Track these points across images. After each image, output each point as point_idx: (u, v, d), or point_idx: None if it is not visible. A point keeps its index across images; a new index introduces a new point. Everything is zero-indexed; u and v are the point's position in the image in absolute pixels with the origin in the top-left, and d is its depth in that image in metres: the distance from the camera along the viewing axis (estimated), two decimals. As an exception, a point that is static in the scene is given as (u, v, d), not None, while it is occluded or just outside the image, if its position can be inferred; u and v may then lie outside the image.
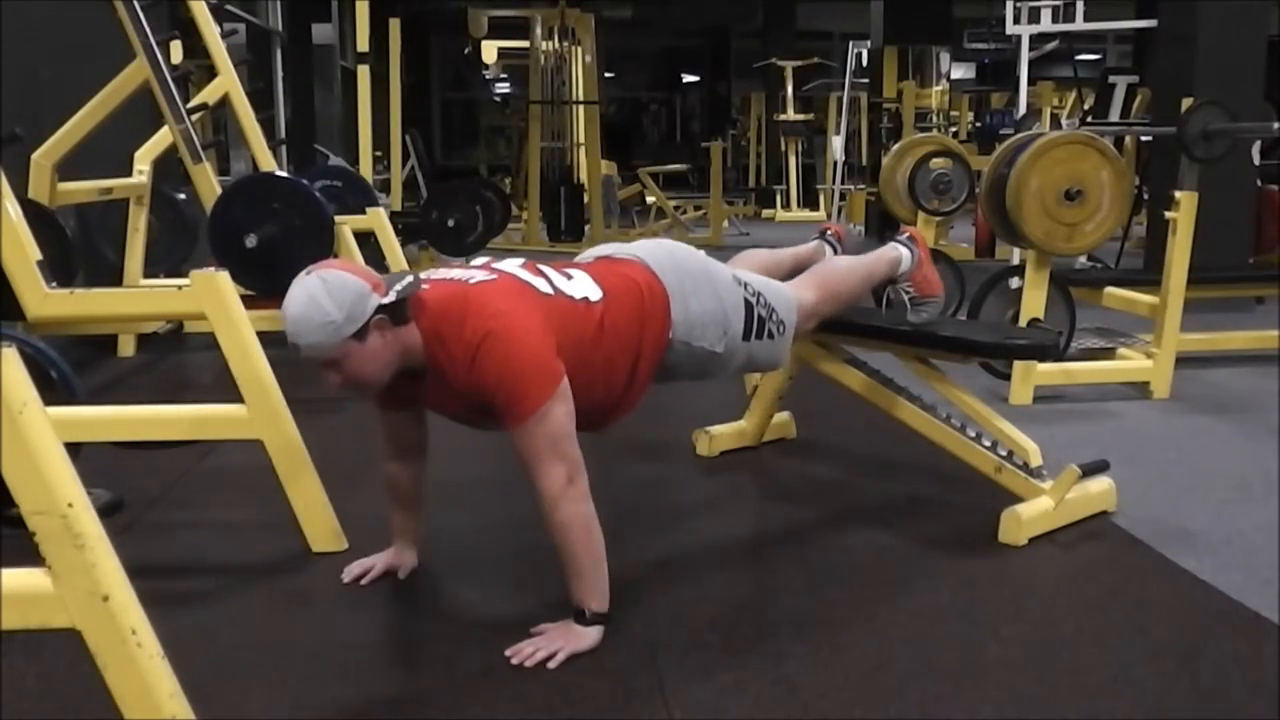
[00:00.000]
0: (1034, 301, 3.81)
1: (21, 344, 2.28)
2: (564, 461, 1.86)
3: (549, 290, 2.01)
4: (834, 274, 2.59)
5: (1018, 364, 3.70)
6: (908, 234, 2.73)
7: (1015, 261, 5.02)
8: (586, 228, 9.02)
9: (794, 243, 2.86)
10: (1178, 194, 3.77)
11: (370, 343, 1.85)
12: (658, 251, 2.25)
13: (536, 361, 1.87)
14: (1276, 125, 3.87)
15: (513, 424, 1.86)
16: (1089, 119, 6.62)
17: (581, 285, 2.06)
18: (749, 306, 2.27)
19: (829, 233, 2.87)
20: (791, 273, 2.71)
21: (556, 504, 1.85)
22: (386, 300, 1.84)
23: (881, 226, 8.97)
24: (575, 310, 2.00)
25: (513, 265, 2.07)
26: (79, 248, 4.00)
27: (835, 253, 2.84)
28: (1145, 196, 6.31)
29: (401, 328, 1.88)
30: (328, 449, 2.54)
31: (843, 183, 11.05)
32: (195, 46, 4.96)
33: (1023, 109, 6.44)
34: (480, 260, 2.13)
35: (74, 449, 1.86)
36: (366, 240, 4.67)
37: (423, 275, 1.99)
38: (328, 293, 1.81)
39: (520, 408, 1.84)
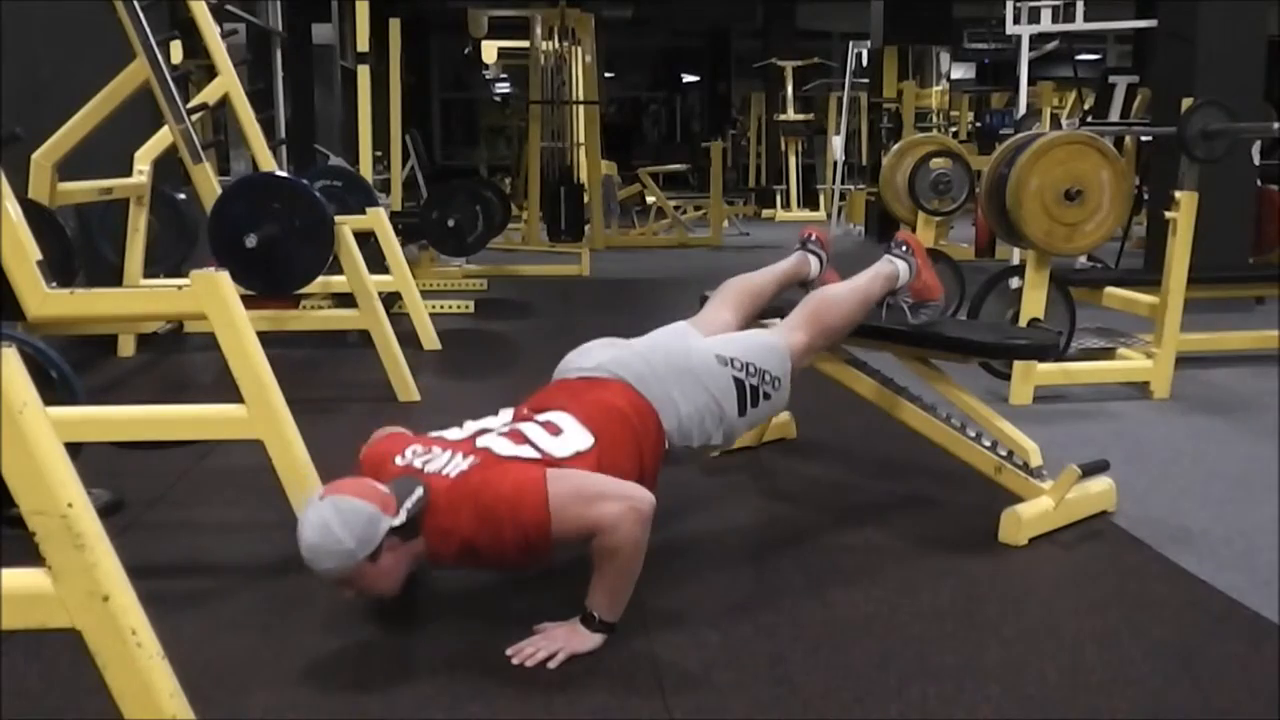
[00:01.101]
0: (1034, 301, 3.81)
1: (21, 344, 2.28)
2: (606, 499, 1.85)
3: (535, 456, 1.97)
4: (826, 307, 2.52)
5: (1018, 364, 3.71)
6: (903, 242, 2.68)
7: (1015, 261, 5.02)
8: (586, 228, 9.02)
9: (793, 243, 2.86)
10: (1178, 194, 3.77)
11: (383, 562, 1.85)
12: (633, 361, 2.22)
13: (516, 481, 1.87)
14: (1276, 125, 3.87)
15: (544, 529, 1.84)
16: (1089, 119, 6.63)
17: (569, 440, 2.02)
18: (739, 384, 2.25)
19: (811, 239, 2.83)
20: (777, 292, 2.70)
21: (616, 527, 1.84)
22: (397, 522, 1.84)
23: (881, 226, 8.98)
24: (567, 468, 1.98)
25: (495, 439, 2.02)
26: (79, 248, 4.00)
27: (821, 263, 2.81)
28: (1145, 196, 6.31)
29: (410, 540, 1.88)
30: (328, 449, 2.54)
31: (843, 183, 11.06)
32: (195, 46, 4.97)
33: (1023, 109, 6.45)
34: (468, 427, 2.11)
35: (74, 449, 1.85)
36: (366, 240, 4.67)
37: (400, 462, 1.98)
38: (341, 522, 1.80)
39: (539, 519, 1.83)
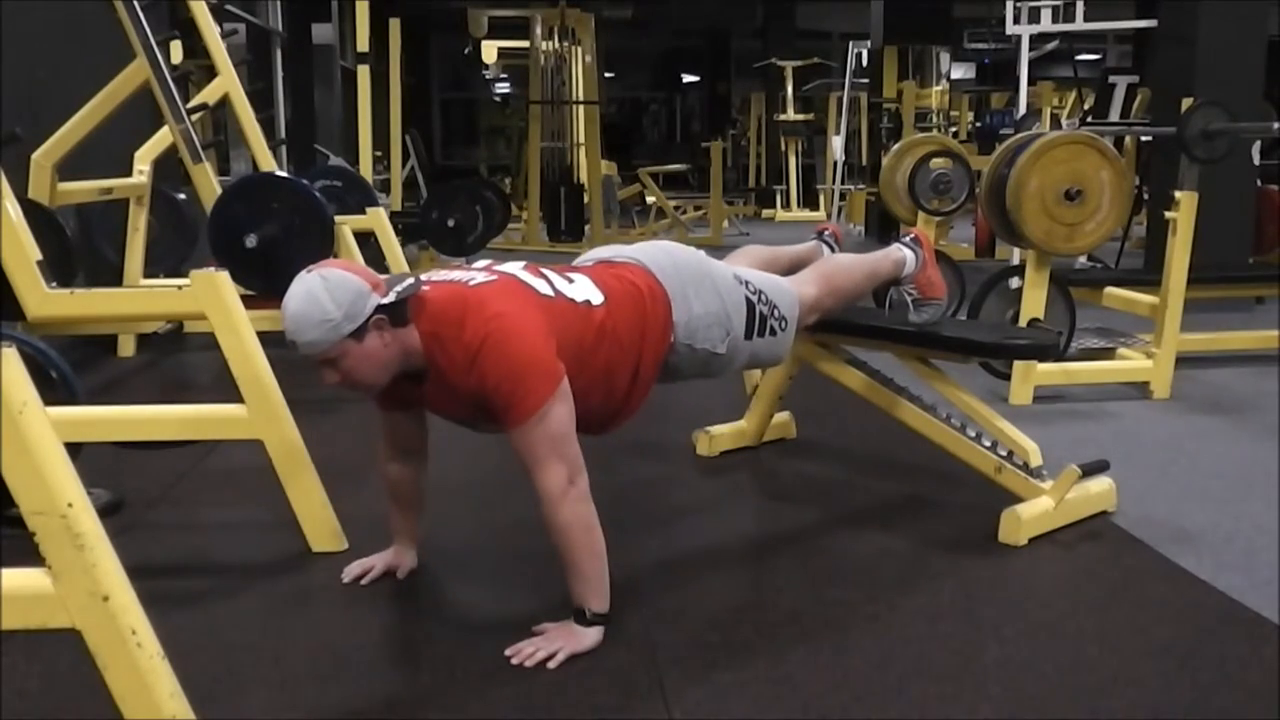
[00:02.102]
0: (1034, 301, 3.81)
1: (21, 344, 2.28)
2: (564, 462, 1.86)
3: (549, 292, 2.00)
4: (836, 269, 2.59)
5: (1018, 364, 3.71)
6: (913, 235, 2.72)
7: (1015, 261, 5.02)
8: (586, 228, 9.02)
9: (794, 243, 2.86)
10: (1178, 194, 3.78)
11: (368, 343, 1.85)
12: (657, 254, 2.24)
13: (536, 361, 1.86)
14: (1276, 125, 3.87)
15: (512, 424, 1.86)
16: (1089, 119, 6.62)
17: (583, 288, 2.06)
18: (750, 305, 2.27)
19: (827, 233, 2.86)
20: (790, 269, 2.71)
21: (558, 504, 1.85)
22: (386, 300, 1.84)
23: (881, 226, 8.98)
24: (576, 313, 2.00)
25: (514, 267, 2.07)
26: (79, 248, 4.00)
27: (834, 253, 2.84)
28: (1145, 196, 6.31)
29: (401, 329, 1.88)
30: (328, 449, 2.54)
31: (843, 183, 11.05)
32: (195, 46, 4.96)
33: (1023, 109, 6.44)
34: (481, 262, 2.13)
35: (74, 449, 1.86)
36: (366, 240, 4.67)
37: (423, 277, 1.99)
38: (327, 291, 1.81)
39: (520, 408, 1.84)
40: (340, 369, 1.86)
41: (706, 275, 2.24)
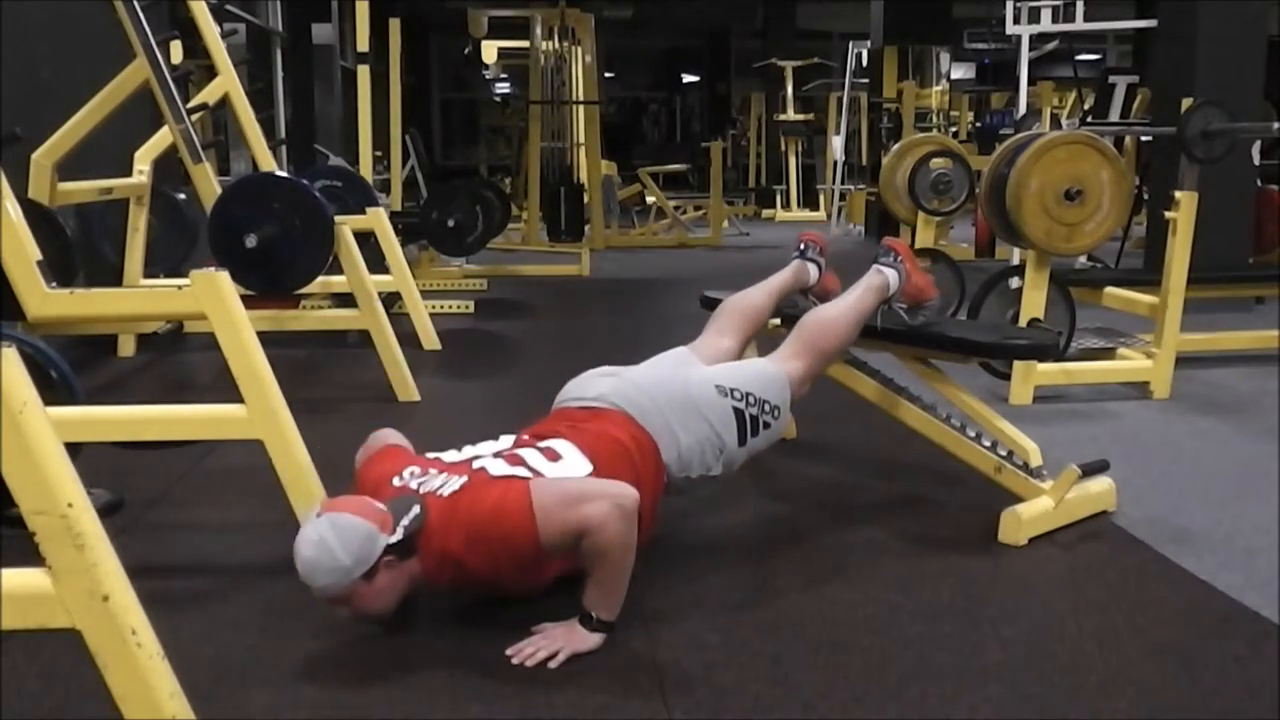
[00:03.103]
0: (1034, 301, 3.81)
1: (21, 344, 2.28)
2: (591, 499, 1.85)
3: (529, 479, 1.97)
4: (820, 332, 2.51)
5: (1018, 364, 3.71)
6: (890, 249, 2.67)
7: (1015, 261, 5.02)
8: (586, 228, 9.02)
9: (793, 243, 2.86)
10: (1178, 194, 3.77)
11: (378, 580, 1.86)
12: (633, 393, 2.22)
13: (499, 493, 1.88)
14: (1276, 125, 3.87)
15: (537, 541, 1.84)
16: (1089, 119, 6.62)
17: (568, 464, 2.03)
18: (739, 414, 2.25)
19: (810, 246, 2.82)
20: (779, 298, 2.70)
21: (603, 527, 1.84)
22: (394, 540, 1.85)
23: (881, 226, 8.98)
24: None
25: (490, 461, 2.03)
26: (79, 248, 4.00)
27: (819, 269, 2.82)
28: (1145, 196, 6.31)
29: (407, 559, 1.89)
30: (328, 449, 2.54)
31: (843, 183, 11.06)
32: (195, 46, 4.96)
33: (1023, 109, 6.44)
34: (466, 451, 2.11)
35: (74, 449, 1.86)
36: (366, 240, 4.67)
37: (397, 483, 2.00)
38: (337, 540, 1.81)
39: (524, 528, 1.83)
40: (351, 606, 1.88)
41: (688, 402, 2.22)
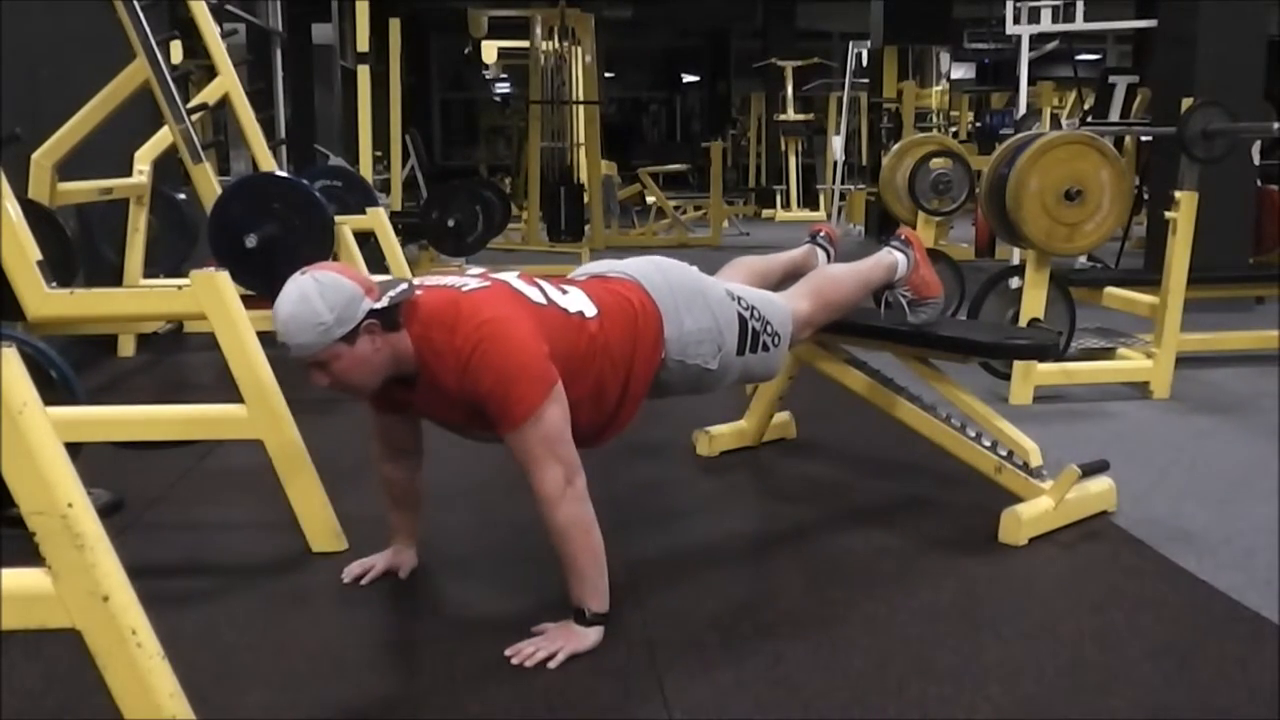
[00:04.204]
0: (1034, 301, 3.81)
1: (21, 344, 2.29)
2: (561, 463, 1.86)
3: (542, 300, 2.00)
4: (829, 282, 2.57)
5: (1018, 364, 3.71)
6: (904, 237, 2.71)
7: (1015, 261, 5.02)
8: (586, 228, 9.02)
9: (793, 243, 2.86)
10: (1178, 194, 3.78)
11: (360, 346, 1.84)
12: (650, 270, 2.23)
13: (529, 365, 1.86)
14: (1276, 125, 3.87)
15: (507, 428, 1.86)
16: (1089, 119, 6.62)
17: (576, 300, 2.06)
18: (743, 321, 2.26)
19: (821, 235, 2.85)
20: (784, 279, 2.71)
21: (555, 505, 1.85)
22: (379, 305, 1.84)
23: (881, 226, 8.98)
24: (569, 323, 2.00)
25: (508, 275, 2.07)
26: (79, 248, 4.00)
27: (829, 256, 2.83)
28: (1145, 196, 6.31)
29: (393, 333, 1.88)
30: (328, 449, 2.54)
31: (843, 183, 11.05)
32: (195, 46, 4.96)
33: (1023, 109, 6.44)
34: (476, 269, 2.12)
35: (74, 449, 1.86)
36: (366, 240, 4.67)
37: (416, 281, 1.99)
38: (320, 294, 1.81)
39: (514, 411, 1.84)
40: (331, 372, 1.86)
41: (699, 291, 2.24)
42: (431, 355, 1.88)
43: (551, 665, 1.84)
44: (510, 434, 1.86)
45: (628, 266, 2.26)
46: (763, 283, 2.65)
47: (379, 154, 7.41)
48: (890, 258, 2.65)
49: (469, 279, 2.02)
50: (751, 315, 2.29)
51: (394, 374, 1.93)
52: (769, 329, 2.32)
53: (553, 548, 1.89)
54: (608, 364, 2.03)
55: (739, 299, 2.29)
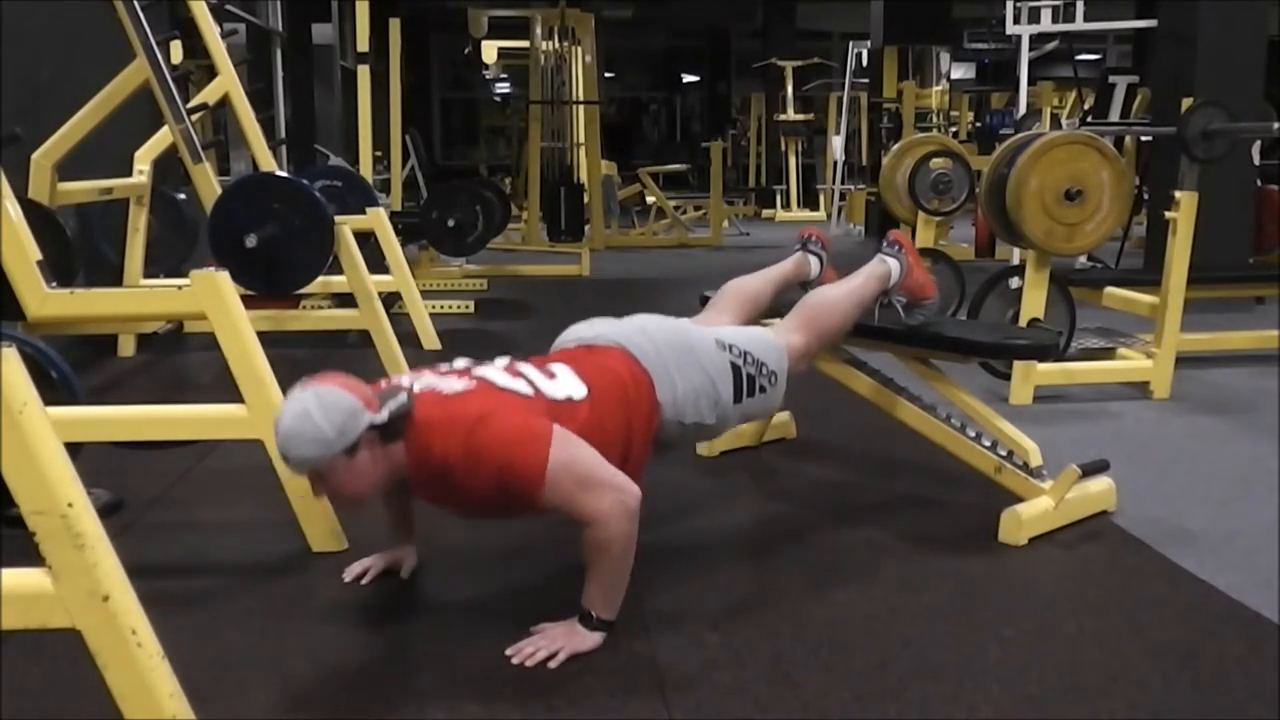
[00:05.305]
0: (1034, 301, 3.81)
1: (21, 344, 2.28)
2: (602, 488, 1.86)
3: (529, 392, 1.98)
4: (822, 311, 2.54)
5: (1018, 364, 3.70)
6: (895, 241, 2.69)
7: (1015, 261, 5.02)
8: (586, 228, 9.02)
9: (793, 243, 2.86)
10: (1178, 194, 3.77)
11: (359, 459, 1.83)
12: (637, 336, 2.22)
13: (521, 428, 1.86)
14: (1276, 125, 3.87)
15: (539, 496, 1.84)
16: (1089, 119, 6.62)
17: (564, 385, 2.04)
18: (736, 370, 2.25)
19: (811, 240, 2.83)
20: (778, 294, 2.70)
21: (604, 526, 1.85)
22: (378, 419, 1.83)
23: (881, 226, 8.98)
24: (558, 410, 1.98)
25: (492, 371, 2.04)
26: (79, 248, 4.00)
27: (821, 262, 2.82)
28: (1145, 196, 6.31)
29: (391, 445, 1.87)
30: (328, 449, 2.53)
31: (843, 183, 11.06)
32: (195, 46, 4.97)
33: (1023, 109, 6.45)
34: (461, 362, 2.10)
35: (74, 449, 1.86)
36: (366, 240, 4.67)
37: (402, 381, 1.99)
38: (322, 410, 1.80)
39: (531, 478, 1.83)
40: (330, 484, 1.86)
41: (688, 349, 2.22)
42: (427, 460, 1.88)
43: (552, 665, 1.84)
44: (547, 498, 1.84)
45: (613, 334, 2.23)
46: (755, 308, 2.64)
47: (379, 154, 7.41)
48: (883, 267, 2.64)
49: (453, 380, 1.99)
50: (745, 361, 2.27)
51: (392, 481, 1.93)
52: (764, 370, 2.30)
53: (584, 552, 1.88)
54: (602, 440, 1.99)
55: (729, 347, 2.27)
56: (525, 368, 2.07)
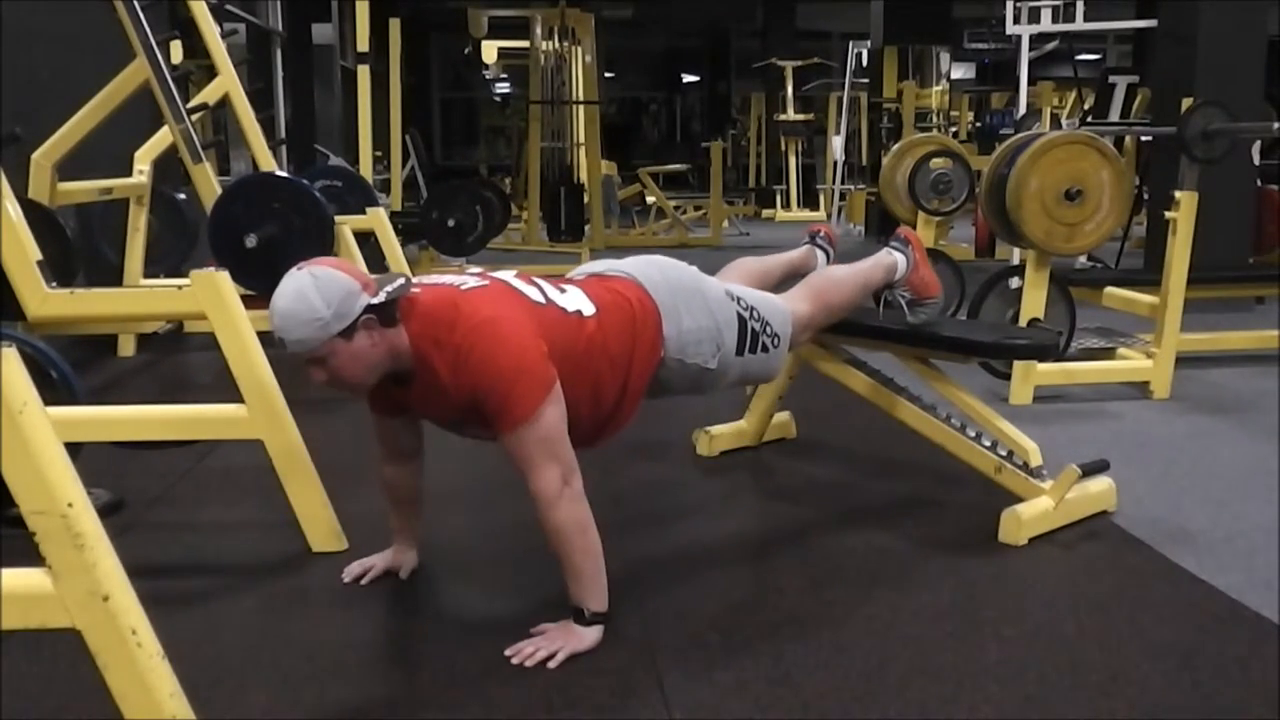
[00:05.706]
0: (1034, 301, 3.81)
1: (21, 344, 2.29)
2: (558, 463, 1.86)
3: (541, 299, 2.00)
4: (829, 284, 2.57)
5: (1018, 364, 3.71)
6: (903, 236, 2.71)
7: (1015, 261, 5.02)
8: (586, 228, 9.02)
9: (793, 243, 2.86)
10: (1178, 194, 3.78)
11: (357, 342, 1.84)
12: (649, 269, 2.23)
13: (528, 366, 1.86)
14: (1276, 125, 3.87)
15: (506, 429, 1.85)
16: (1089, 119, 6.62)
17: (574, 299, 2.05)
18: (742, 321, 2.26)
19: (820, 235, 2.85)
20: (783, 280, 2.71)
21: (553, 506, 1.85)
22: (376, 300, 1.84)
23: (881, 226, 8.98)
24: (567, 322, 1.99)
25: (507, 274, 2.07)
26: (79, 248, 4.00)
27: (828, 257, 2.83)
28: (1145, 196, 6.31)
29: (390, 329, 1.87)
30: (328, 449, 2.54)
31: (843, 183, 11.06)
32: (195, 46, 4.96)
33: (1023, 109, 6.45)
34: (475, 269, 2.12)
35: (74, 449, 1.86)
36: (366, 240, 4.68)
37: (415, 279, 1.99)
38: (317, 289, 1.80)
39: (514, 413, 1.84)
40: (328, 368, 1.86)
41: (698, 290, 2.23)
42: (429, 352, 1.88)
43: (551, 665, 1.84)
44: (508, 434, 1.86)
45: (626, 265, 2.25)
46: (762, 284, 2.64)
47: (379, 154, 7.41)
48: (890, 258, 2.65)
49: (468, 278, 2.02)
50: (751, 316, 2.28)
51: (391, 371, 1.92)
52: (768, 330, 2.31)
53: (550, 547, 1.89)
54: (606, 362, 2.03)
55: (738, 299, 2.29)
56: (538, 279, 2.09)
